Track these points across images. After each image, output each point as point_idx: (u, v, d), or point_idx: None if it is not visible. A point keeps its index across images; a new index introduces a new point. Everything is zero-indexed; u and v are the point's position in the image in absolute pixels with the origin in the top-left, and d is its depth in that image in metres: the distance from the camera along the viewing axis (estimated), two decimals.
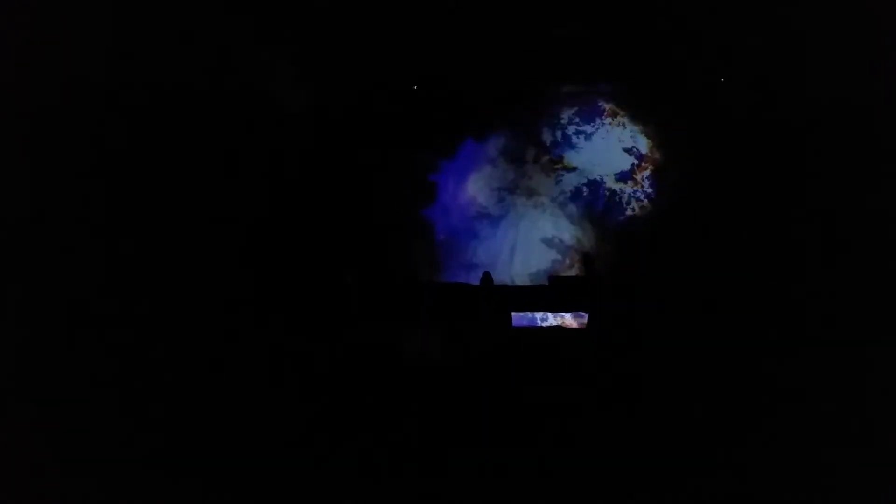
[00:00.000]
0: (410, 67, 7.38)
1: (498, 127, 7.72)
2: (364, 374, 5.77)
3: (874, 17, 5.76)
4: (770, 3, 6.31)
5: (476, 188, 7.79)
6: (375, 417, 5.45)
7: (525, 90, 7.61)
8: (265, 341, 5.90)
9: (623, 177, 7.68)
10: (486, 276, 6.61)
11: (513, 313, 6.59)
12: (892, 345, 5.43)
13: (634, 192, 7.64)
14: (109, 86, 6.01)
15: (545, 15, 7.04)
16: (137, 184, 6.09)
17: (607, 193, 7.69)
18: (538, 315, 6.86)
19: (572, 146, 7.77)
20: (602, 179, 7.70)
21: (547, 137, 7.79)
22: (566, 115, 7.76)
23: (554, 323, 6.84)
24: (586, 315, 6.71)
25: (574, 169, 7.74)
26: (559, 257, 7.64)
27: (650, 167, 7.64)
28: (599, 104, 7.74)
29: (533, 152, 7.78)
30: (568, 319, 6.85)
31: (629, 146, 7.70)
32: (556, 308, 6.86)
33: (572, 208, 7.72)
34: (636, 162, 7.68)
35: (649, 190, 7.60)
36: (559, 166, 7.74)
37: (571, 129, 7.75)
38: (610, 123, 7.73)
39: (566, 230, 7.69)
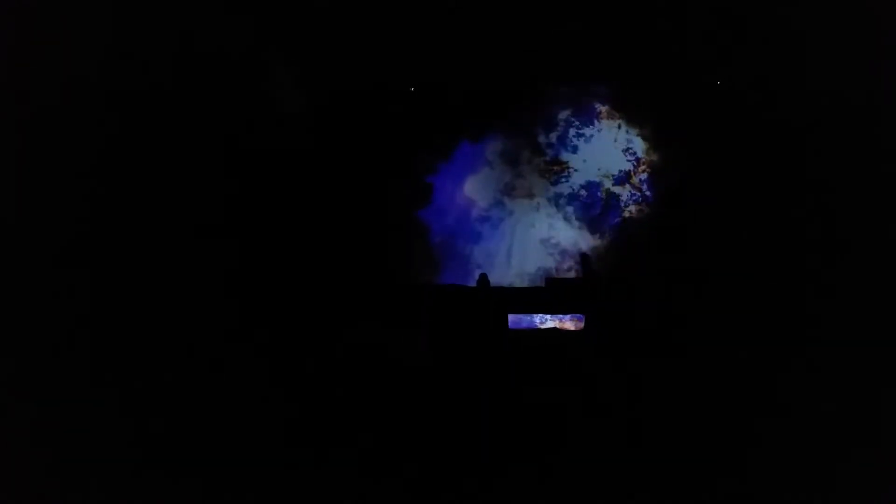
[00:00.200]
0: (408, 69, 7.37)
1: (495, 129, 7.71)
2: (360, 375, 5.77)
3: (874, 17, 5.75)
4: (770, 3, 6.31)
5: (473, 190, 7.78)
6: (373, 418, 5.44)
7: (522, 92, 7.61)
8: (264, 342, 5.89)
9: (620, 179, 7.67)
10: (483, 278, 6.60)
11: (510, 315, 6.58)
12: (892, 345, 5.44)
13: (632, 194, 7.63)
14: (108, 86, 6.00)
15: (543, 16, 7.03)
16: (137, 184, 6.08)
17: (604, 195, 7.68)
18: (536, 317, 6.87)
19: (569, 148, 7.75)
20: (599, 181, 7.69)
21: (544, 139, 7.78)
22: (563, 116, 7.75)
23: (551, 325, 6.84)
24: (583, 317, 6.71)
25: (571, 171, 7.73)
26: (556, 259, 7.64)
27: (648, 169, 7.63)
28: (596, 106, 7.73)
29: (530, 154, 7.78)
30: (565, 321, 6.85)
31: (626, 148, 7.69)
32: (552, 310, 6.86)
33: (569, 210, 7.71)
34: (634, 163, 7.67)
35: (647, 192, 7.59)
36: (556, 168, 7.73)
37: (568, 131, 7.75)
38: (607, 125, 7.72)
39: (563, 232, 7.68)
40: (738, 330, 5.93)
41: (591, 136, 7.75)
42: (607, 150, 7.72)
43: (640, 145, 7.65)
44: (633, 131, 7.67)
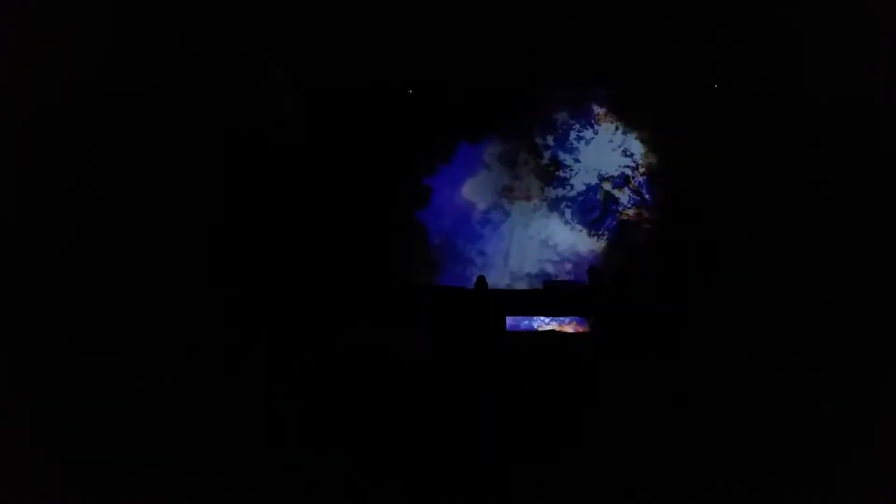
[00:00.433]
0: (407, 70, 7.37)
1: (494, 131, 7.72)
2: (360, 375, 5.77)
3: (874, 16, 5.75)
4: (770, 3, 6.31)
5: (471, 192, 7.79)
6: (372, 418, 5.45)
7: (522, 94, 7.61)
8: (262, 345, 5.90)
9: (620, 181, 7.68)
10: (481, 280, 6.61)
11: (508, 317, 6.59)
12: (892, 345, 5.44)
13: (631, 196, 7.64)
14: (108, 86, 6.00)
15: (542, 17, 7.03)
16: (136, 184, 6.08)
17: (603, 198, 7.68)
18: (534, 320, 6.89)
19: (569, 150, 7.76)
20: (598, 184, 7.70)
21: (542, 141, 7.79)
22: (562, 118, 7.76)
23: (550, 328, 6.85)
24: (582, 320, 6.72)
25: (570, 173, 7.73)
26: (554, 262, 7.64)
27: (647, 171, 7.64)
28: (595, 108, 7.73)
29: (529, 156, 7.78)
30: (565, 324, 6.86)
31: (626, 150, 7.70)
32: (550, 312, 6.88)
33: (567, 213, 7.72)
34: (633, 166, 7.67)
35: (646, 195, 7.60)
36: (555, 170, 7.73)
37: (567, 134, 7.75)
38: (606, 128, 7.73)
39: (561, 235, 7.69)
40: (737, 330, 5.94)
41: (590, 138, 7.75)
42: (606, 152, 7.74)
43: (638, 148, 7.66)
44: (632, 134, 7.68)
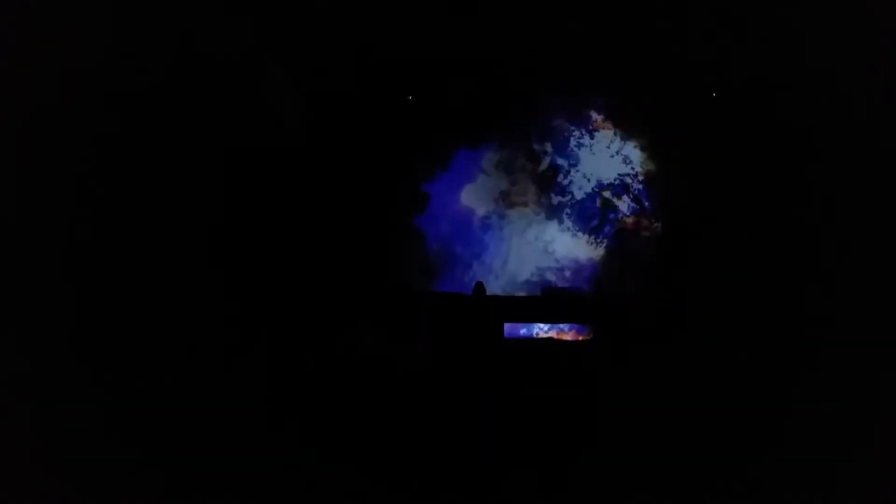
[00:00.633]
0: (407, 76, 7.36)
1: (493, 137, 7.70)
2: (359, 375, 5.77)
3: (874, 16, 5.75)
4: (769, 7, 6.31)
5: (470, 198, 7.77)
6: (372, 418, 5.45)
7: (521, 100, 7.59)
8: (261, 345, 5.89)
9: (619, 189, 7.65)
10: (479, 287, 6.58)
11: (505, 324, 6.56)
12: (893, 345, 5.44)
13: (630, 204, 7.61)
14: (108, 86, 6.00)
15: (543, 22, 7.03)
16: (136, 185, 6.08)
17: (601, 205, 7.66)
18: (533, 327, 6.87)
19: (567, 157, 7.74)
20: (597, 191, 7.68)
21: (540, 147, 7.77)
22: (561, 125, 7.74)
23: (548, 335, 6.84)
24: (581, 327, 6.72)
25: (569, 180, 7.71)
26: (553, 269, 7.62)
27: (646, 179, 7.61)
28: (594, 115, 7.71)
29: (528, 163, 7.76)
30: (564, 332, 6.85)
31: (625, 158, 7.67)
32: (549, 319, 6.86)
33: (566, 219, 7.70)
34: (632, 173, 7.65)
35: (645, 202, 7.58)
36: (553, 177, 7.71)
37: (566, 140, 7.73)
38: (604, 134, 7.70)
39: (560, 241, 7.67)
40: (737, 330, 5.93)
41: (588, 145, 7.74)
42: (604, 159, 7.71)
43: (637, 154, 7.64)
44: (631, 141, 7.66)
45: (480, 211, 7.74)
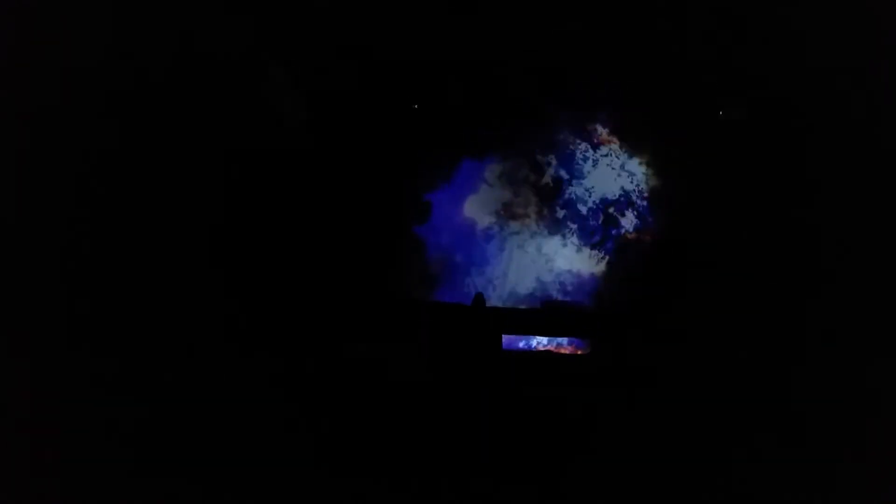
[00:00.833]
0: (407, 77, 7.35)
1: (496, 148, 7.67)
2: (357, 381, 5.77)
3: (874, 16, 5.76)
4: (770, 9, 6.31)
5: (472, 209, 7.75)
6: (372, 419, 5.45)
7: (526, 112, 7.56)
8: (264, 345, 5.90)
9: (622, 204, 7.63)
10: (479, 297, 6.56)
11: (504, 336, 6.55)
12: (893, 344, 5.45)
13: (633, 217, 7.59)
14: (106, 86, 6.00)
15: (543, 23, 7.02)
16: (135, 185, 6.08)
17: (604, 219, 7.64)
18: (532, 339, 6.87)
19: (570, 170, 7.72)
20: (600, 205, 7.65)
21: (546, 161, 7.75)
22: (567, 138, 7.71)
23: (547, 348, 6.84)
24: (580, 341, 6.71)
25: (572, 193, 7.69)
26: (554, 282, 7.59)
27: (650, 193, 7.58)
28: (598, 129, 7.69)
29: (531, 174, 7.74)
30: (563, 346, 6.85)
31: (628, 172, 7.65)
32: (548, 332, 6.85)
33: (568, 233, 7.68)
34: (635, 189, 7.63)
35: (648, 217, 7.55)
36: (556, 190, 7.68)
37: (570, 153, 7.71)
38: (608, 148, 7.68)
39: (561, 255, 7.65)
40: (737, 344, 5.93)
41: (592, 159, 7.72)
42: (607, 173, 7.70)
43: (640, 170, 7.62)
44: (635, 157, 7.64)
45: (482, 222, 7.72)
